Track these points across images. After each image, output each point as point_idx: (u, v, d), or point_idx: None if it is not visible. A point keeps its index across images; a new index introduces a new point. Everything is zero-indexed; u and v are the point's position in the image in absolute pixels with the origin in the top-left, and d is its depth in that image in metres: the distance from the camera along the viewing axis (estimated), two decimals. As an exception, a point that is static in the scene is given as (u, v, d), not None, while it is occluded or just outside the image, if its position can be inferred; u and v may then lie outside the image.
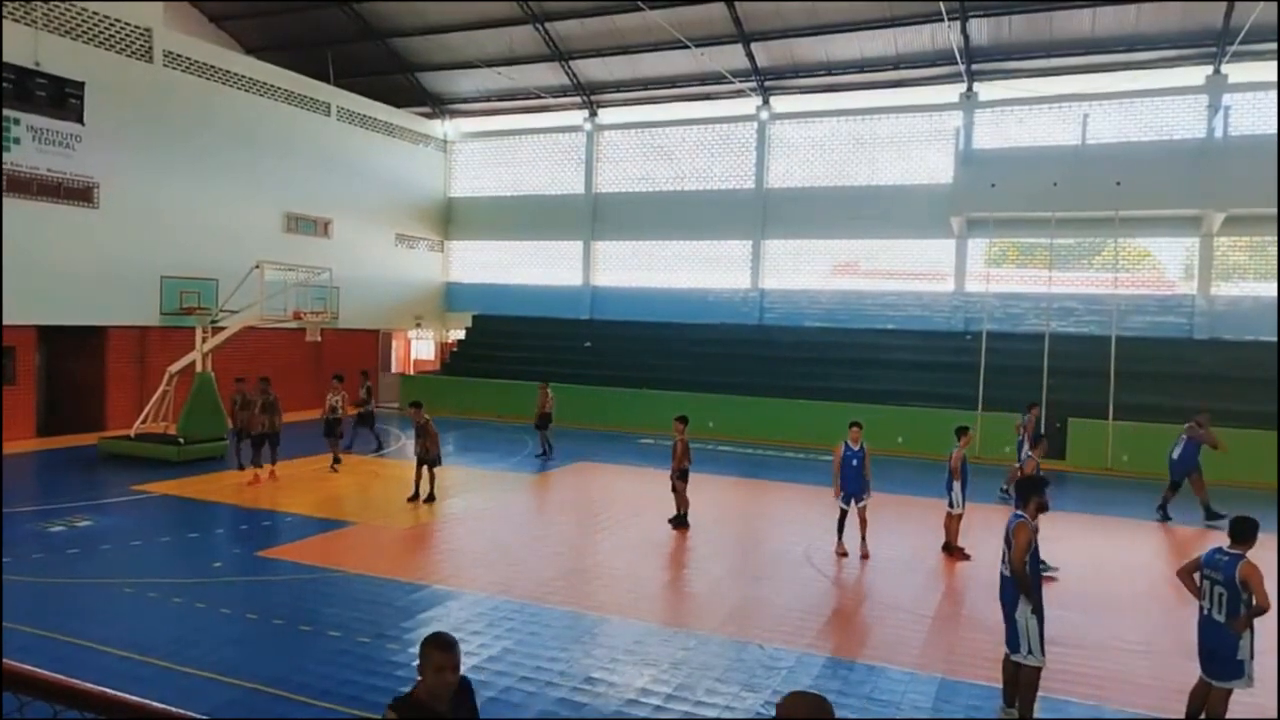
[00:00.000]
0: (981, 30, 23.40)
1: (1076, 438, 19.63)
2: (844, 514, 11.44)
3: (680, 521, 12.93)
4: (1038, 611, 6.42)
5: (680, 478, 12.96)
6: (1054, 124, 23.76)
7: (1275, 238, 20.99)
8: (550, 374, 24.59)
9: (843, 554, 11.31)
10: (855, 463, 11.31)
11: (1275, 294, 20.73)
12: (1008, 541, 6.59)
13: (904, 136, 25.55)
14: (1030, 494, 6.73)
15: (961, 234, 24.30)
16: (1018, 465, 15.13)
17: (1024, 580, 6.40)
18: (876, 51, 24.84)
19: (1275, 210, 19.36)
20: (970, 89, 24.37)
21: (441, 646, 3.59)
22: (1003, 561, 6.67)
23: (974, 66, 24.13)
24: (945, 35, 23.06)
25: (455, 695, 3.71)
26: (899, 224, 25.08)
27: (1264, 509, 12.70)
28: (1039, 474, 10.29)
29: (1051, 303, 21.67)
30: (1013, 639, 6.53)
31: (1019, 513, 6.64)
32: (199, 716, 1.88)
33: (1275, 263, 21.29)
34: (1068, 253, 23.60)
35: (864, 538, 11.40)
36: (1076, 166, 21.10)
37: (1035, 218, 21.88)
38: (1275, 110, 20.50)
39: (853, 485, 11.31)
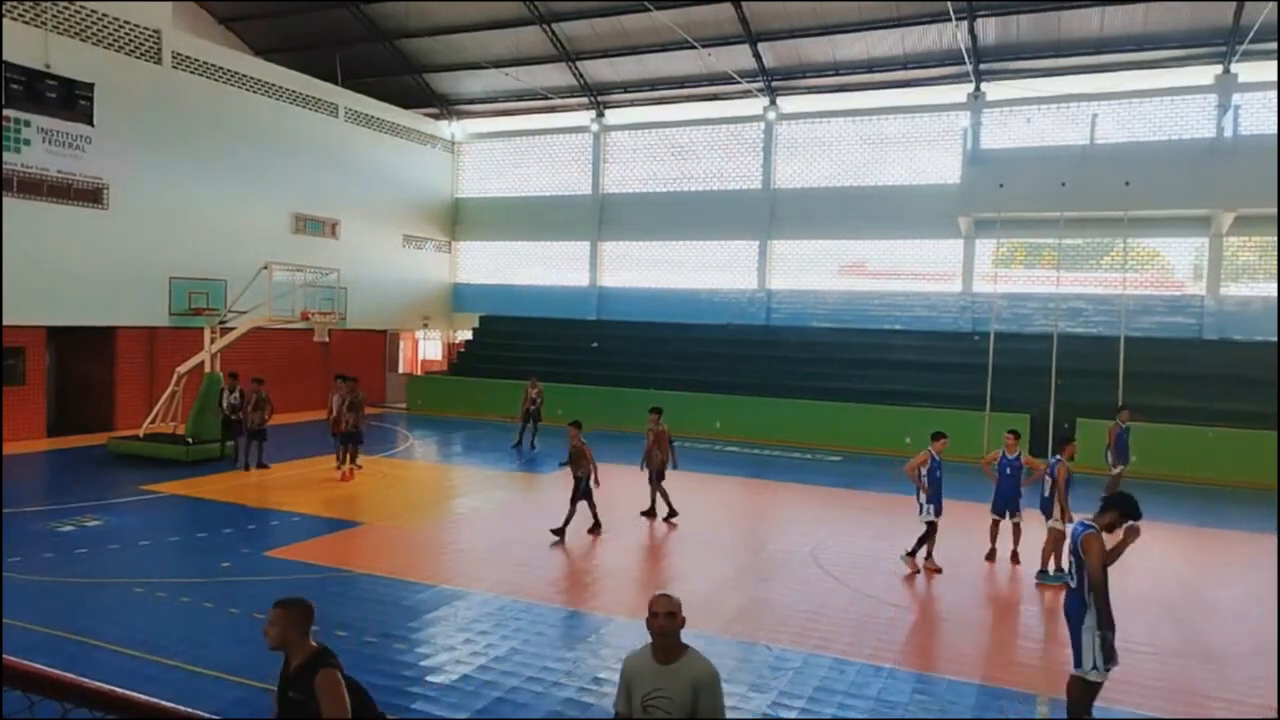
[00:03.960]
0: (989, 30, 23.34)
1: (1085, 438, 19.52)
2: (934, 528, 10.83)
3: (653, 513, 13.31)
4: (1104, 627, 6.04)
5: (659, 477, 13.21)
6: (1062, 124, 23.68)
7: (1281, 238, 20.89)
8: (557, 374, 24.66)
9: (935, 570, 10.77)
10: (938, 474, 10.92)
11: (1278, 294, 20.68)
12: (1074, 555, 6.27)
13: (911, 136, 25.49)
14: (1110, 510, 6.31)
15: (969, 234, 24.24)
16: (1116, 470, 14.76)
17: (1101, 593, 6.03)
18: (884, 51, 24.81)
19: (1277, 210, 19.28)
20: (978, 89, 24.30)
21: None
22: (1068, 574, 6.37)
23: (982, 66, 24.08)
24: (953, 35, 23.00)
25: (308, 662, 3.85)
26: (906, 224, 25.03)
27: (1267, 509, 12.67)
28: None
29: (1060, 303, 21.59)
30: (1075, 650, 6.20)
31: (1087, 523, 6.28)
32: (207, 715, 1.89)
33: (1283, 263, 21.18)
34: (1076, 253, 23.52)
35: (931, 552, 10.92)
36: (1085, 166, 21.03)
37: (1043, 218, 21.81)
38: (1276, 110, 20.41)
39: (938, 498, 10.87)
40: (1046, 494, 10.77)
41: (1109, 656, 6.06)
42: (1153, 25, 21.94)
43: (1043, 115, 23.98)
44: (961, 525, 12.50)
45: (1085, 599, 6.10)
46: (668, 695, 3.75)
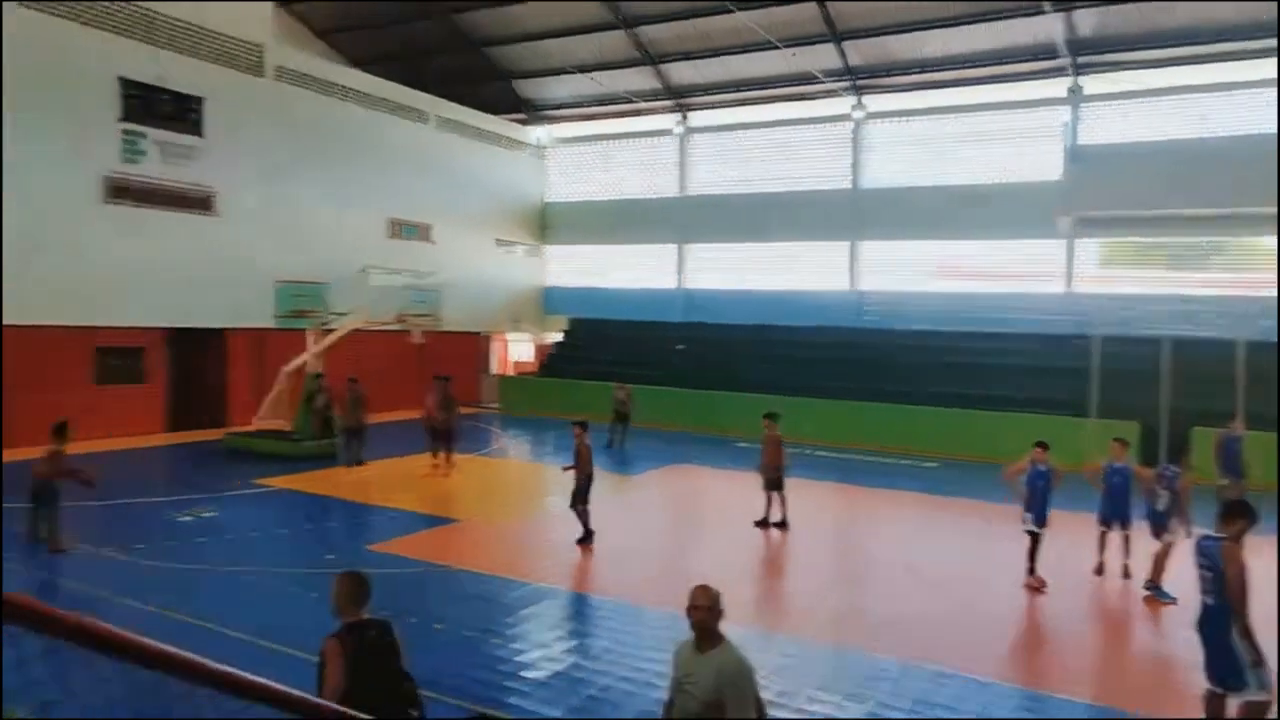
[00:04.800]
0: (1087, 21, 22.40)
1: (1201, 448, 18.54)
2: (1036, 539, 10.31)
3: (766, 523, 12.81)
4: (1246, 636, 5.64)
5: (774, 485, 12.76)
6: (1170, 117, 22.57)
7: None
8: (644, 376, 24.77)
9: (1036, 587, 10.19)
10: (1041, 484, 10.40)
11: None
12: (1207, 568, 5.90)
13: (1006, 133, 24.73)
14: (1237, 518, 5.95)
15: (1070, 233, 23.31)
16: (1224, 483, 13.32)
17: (1243, 607, 5.65)
18: (975, 46, 24.12)
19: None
20: (1077, 82, 23.36)
21: None
22: (1204, 590, 5.99)
23: (1080, 59, 23.13)
24: (1049, 27, 22.17)
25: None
26: (1002, 223, 24.26)
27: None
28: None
29: (1171, 304, 20.56)
30: (1229, 673, 5.71)
31: (1215, 536, 5.92)
32: (313, 697, 1.99)
33: None
34: (1188, 251, 22.36)
35: (1034, 566, 10.39)
36: (1196, 161, 19.96)
37: (1151, 215, 20.81)
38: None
39: (1041, 508, 10.32)
40: (1160, 507, 10.22)
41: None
42: (1267, 11, 20.65)
43: (1149, 108, 22.91)
44: (1068, 536, 12.04)
45: (1226, 615, 5.68)
46: (697, 681, 4.07)
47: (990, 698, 7.15)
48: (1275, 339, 18.46)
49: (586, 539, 11.58)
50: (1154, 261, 23.19)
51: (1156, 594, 9.95)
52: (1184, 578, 10.10)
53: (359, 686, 4.04)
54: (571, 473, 11.78)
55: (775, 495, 12.85)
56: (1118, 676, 8.03)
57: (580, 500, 11.62)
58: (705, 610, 4.13)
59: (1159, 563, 10.06)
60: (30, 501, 10.44)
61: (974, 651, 8.20)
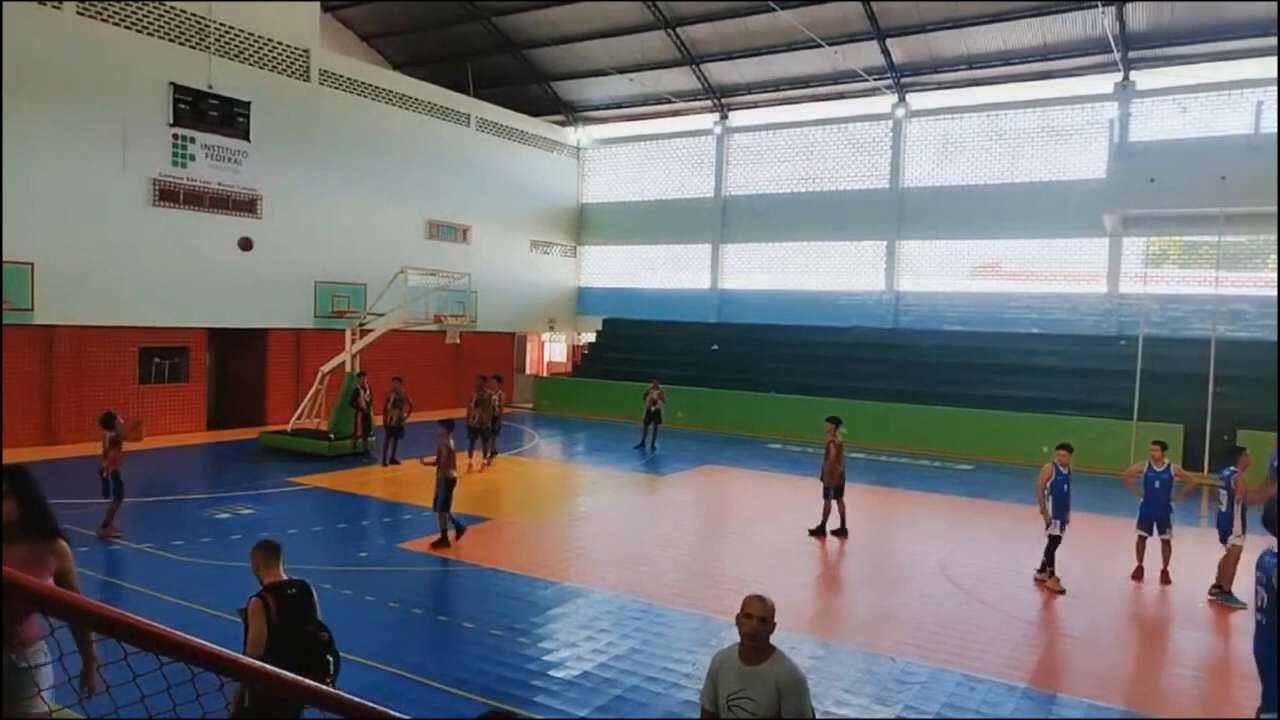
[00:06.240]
0: (1140, 15, 21.90)
1: (1251, 451, 18.05)
2: (1056, 542, 10.27)
3: (821, 531, 12.48)
4: None
5: (836, 493, 12.42)
6: (1223, 113, 21.98)
7: None
8: (679, 377, 24.75)
9: (1060, 591, 10.06)
10: (1066, 488, 10.33)
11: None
12: (1263, 584, 5.58)
13: (1051, 130, 24.27)
14: None
15: (1115, 232, 22.81)
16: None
17: None
18: (1022, 42, 23.71)
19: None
20: (1127, 78, 22.87)
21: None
22: (1257, 608, 5.69)
23: (1131, 54, 22.63)
24: (1099, 22, 21.72)
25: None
26: (1045, 222, 23.83)
27: None
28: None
29: (1219, 305, 20.03)
30: (1271, 694, 5.39)
31: (1277, 551, 5.59)
32: (347, 695, 1.99)
33: None
34: (1238, 251, 21.77)
35: (1051, 569, 10.27)
36: (1248, 158, 19.39)
37: (1200, 214, 20.27)
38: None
39: (1063, 511, 10.23)
40: (1224, 509, 10.05)
41: None
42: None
43: (1201, 103, 22.34)
44: (1106, 541, 11.79)
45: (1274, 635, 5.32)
46: (752, 697, 3.82)
47: (1020, 702, 7.03)
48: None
49: (442, 543, 11.13)
50: (1202, 261, 22.61)
51: (1223, 599, 9.74)
52: (1243, 584, 9.87)
53: (283, 636, 4.52)
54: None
55: (834, 502, 12.49)
56: (1153, 683, 7.83)
57: (440, 504, 11.20)
58: (759, 621, 3.92)
59: (1225, 567, 9.85)
60: (104, 494, 11.02)
61: (1005, 656, 8.06)
